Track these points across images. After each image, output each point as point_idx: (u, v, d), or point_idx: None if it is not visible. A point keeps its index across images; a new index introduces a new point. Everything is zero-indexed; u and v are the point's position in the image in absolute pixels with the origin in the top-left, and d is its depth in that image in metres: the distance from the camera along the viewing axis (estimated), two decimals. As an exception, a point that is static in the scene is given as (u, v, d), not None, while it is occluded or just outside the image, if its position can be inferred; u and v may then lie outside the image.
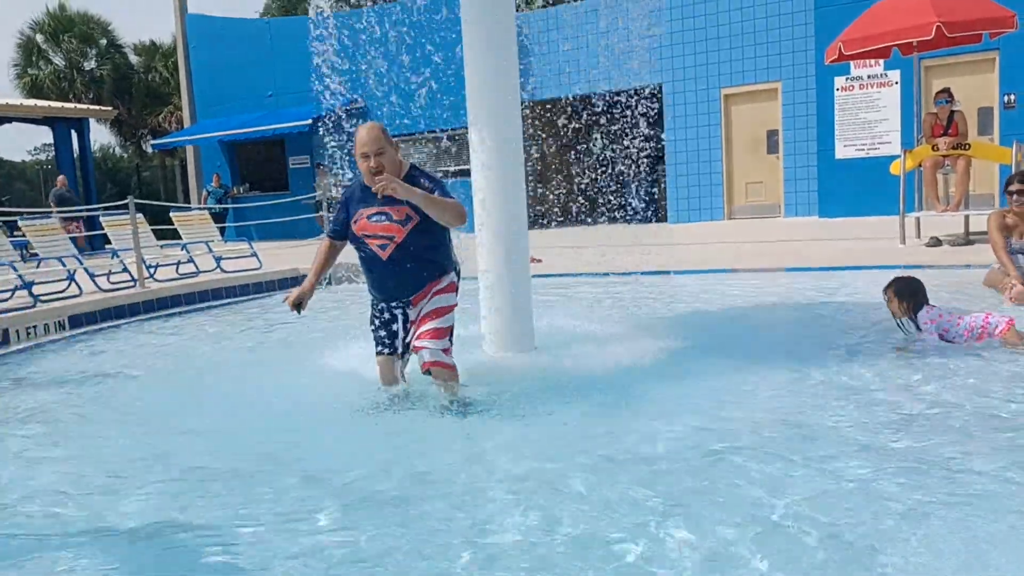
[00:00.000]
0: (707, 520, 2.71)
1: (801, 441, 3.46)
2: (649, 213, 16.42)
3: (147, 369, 6.10)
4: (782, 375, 4.57)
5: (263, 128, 19.66)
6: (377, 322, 4.29)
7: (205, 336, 7.59)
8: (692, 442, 3.53)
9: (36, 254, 9.83)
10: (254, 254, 11.54)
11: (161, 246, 11.41)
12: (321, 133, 14.83)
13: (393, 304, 4.22)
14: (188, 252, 11.10)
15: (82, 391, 5.41)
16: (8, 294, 8.50)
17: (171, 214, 11.85)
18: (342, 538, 2.77)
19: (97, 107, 25.08)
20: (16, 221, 10.35)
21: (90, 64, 30.87)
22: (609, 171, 15.33)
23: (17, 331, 7.54)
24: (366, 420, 4.10)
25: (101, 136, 48.40)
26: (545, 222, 16.30)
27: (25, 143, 47.14)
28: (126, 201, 9.95)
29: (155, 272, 10.39)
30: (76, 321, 8.17)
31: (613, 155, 14.38)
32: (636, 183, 14.10)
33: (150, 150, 33.66)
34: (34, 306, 8.20)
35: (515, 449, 3.59)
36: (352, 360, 5.20)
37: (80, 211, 14.98)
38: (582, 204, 16.42)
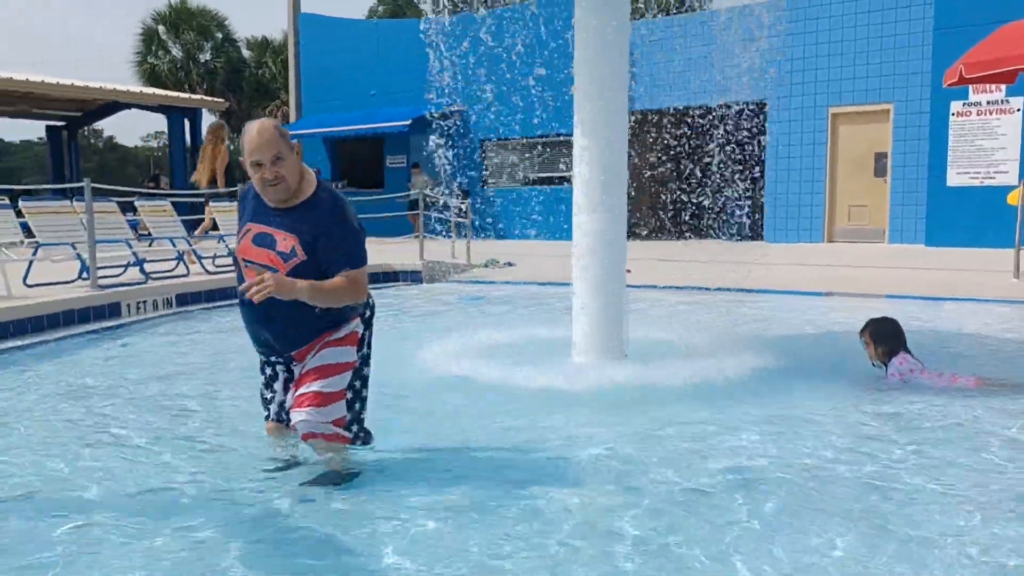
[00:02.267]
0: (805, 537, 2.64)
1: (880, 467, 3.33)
2: (745, 231, 16.12)
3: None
4: (867, 404, 4.41)
5: (364, 127, 20.17)
6: (262, 376, 3.34)
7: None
8: (780, 460, 3.44)
9: (149, 233, 10.33)
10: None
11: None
12: (433, 128, 15.09)
13: (274, 358, 3.22)
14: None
15: (193, 363, 5.66)
16: (122, 270, 8.96)
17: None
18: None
19: (210, 98, 26.17)
20: (133, 202, 10.88)
21: (205, 56, 32.29)
22: (705, 186, 15.11)
23: (129, 305, 7.92)
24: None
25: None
26: (637, 234, 16.17)
27: (139, 129, 49.65)
28: (234, 189, 10.34)
29: (256, 258, 10.74)
30: (183, 299, 8.55)
31: (711, 170, 14.17)
32: (733, 200, 13.86)
33: (254, 143, 34.93)
34: (145, 283, 8.61)
35: (606, 453, 3.58)
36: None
37: (185, 195, 15.59)
38: (675, 218, 16.23)
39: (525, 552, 2.60)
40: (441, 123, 18.84)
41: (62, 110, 23.33)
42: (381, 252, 12.89)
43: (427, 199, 12.89)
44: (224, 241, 10.54)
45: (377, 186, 20.99)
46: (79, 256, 8.34)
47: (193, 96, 25.35)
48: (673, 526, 2.79)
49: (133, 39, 32.24)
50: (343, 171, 22.64)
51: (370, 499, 3.04)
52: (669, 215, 17.17)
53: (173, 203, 11.25)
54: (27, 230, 9.11)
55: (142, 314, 7.97)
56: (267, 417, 3.33)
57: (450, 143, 19.84)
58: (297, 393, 3.07)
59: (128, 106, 23.28)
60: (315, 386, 3.03)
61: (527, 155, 19.40)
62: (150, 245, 10.10)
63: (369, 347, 3.25)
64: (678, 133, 16.45)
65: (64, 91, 20.58)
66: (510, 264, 12.03)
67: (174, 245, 10.08)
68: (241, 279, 3.06)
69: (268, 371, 3.27)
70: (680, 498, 3.05)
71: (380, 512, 2.93)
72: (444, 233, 13.65)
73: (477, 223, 15.22)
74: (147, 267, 9.03)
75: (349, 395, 3.12)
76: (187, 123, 23.46)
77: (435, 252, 12.09)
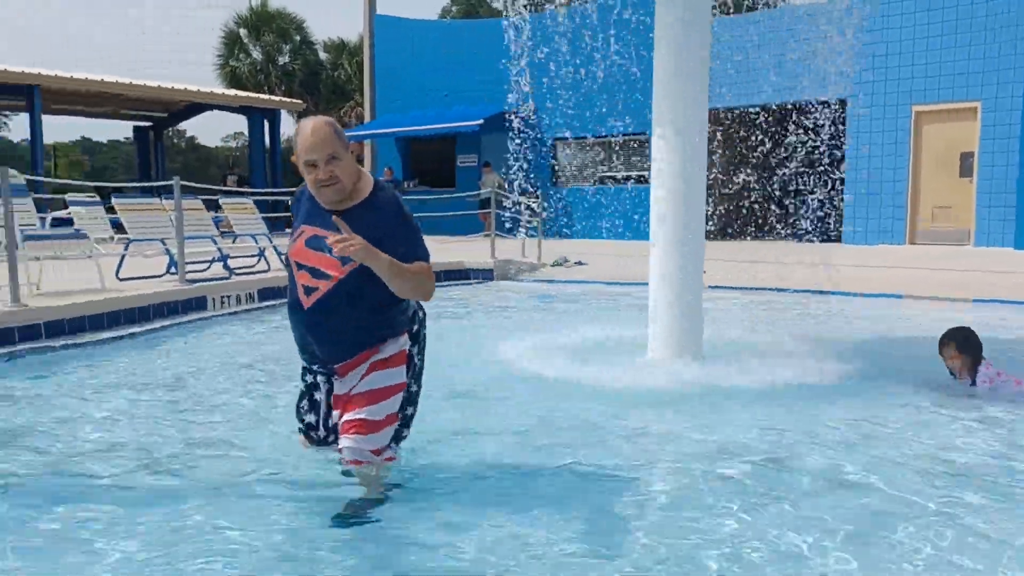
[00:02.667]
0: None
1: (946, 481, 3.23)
2: (823, 232, 15.75)
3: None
4: (953, 409, 4.27)
5: (436, 126, 20.42)
6: (302, 384, 3.16)
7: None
8: (861, 469, 3.37)
9: (233, 230, 10.68)
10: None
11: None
12: (505, 127, 15.17)
13: (316, 367, 3.05)
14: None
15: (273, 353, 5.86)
16: (207, 265, 9.30)
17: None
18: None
19: (288, 99, 26.86)
20: (218, 200, 11.27)
21: (284, 59, 33.12)
22: (783, 186, 14.82)
23: (214, 299, 8.21)
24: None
25: (287, 127, 51.66)
26: (713, 233, 15.95)
27: (220, 130, 51.24)
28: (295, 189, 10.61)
29: (333, 255, 11.02)
30: (265, 294, 8.81)
31: (788, 169, 13.89)
32: (811, 200, 13.57)
33: (330, 142, 35.68)
34: (229, 278, 8.91)
35: (684, 453, 3.57)
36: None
37: (261, 193, 16.08)
38: (752, 218, 15.98)
39: (596, 553, 2.61)
40: (514, 122, 18.95)
41: (149, 111, 24.31)
42: (452, 250, 13.06)
43: (498, 198, 12.98)
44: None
45: (448, 185, 21.23)
46: (168, 251, 8.68)
47: (272, 97, 26.07)
48: (756, 528, 2.77)
49: (216, 42, 33.23)
50: (415, 170, 22.99)
51: (436, 496, 3.09)
52: (745, 215, 16.90)
53: (255, 201, 11.61)
54: (115, 226, 9.54)
55: (226, 308, 8.25)
56: (300, 431, 3.17)
57: (522, 142, 19.92)
58: (345, 419, 2.92)
59: (211, 107, 24.09)
60: (363, 412, 2.89)
61: (600, 154, 19.35)
62: (233, 241, 10.45)
63: (420, 361, 3.11)
64: (755, 131, 16.18)
65: (152, 92, 21.42)
66: (581, 263, 12.03)
67: (256, 242, 10.40)
68: (293, 283, 2.92)
69: (309, 378, 3.09)
70: (760, 501, 3.02)
71: (447, 510, 2.96)
72: (516, 231, 13.72)
73: (548, 222, 15.26)
74: (230, 263, 9.35)
75: (399, 419, 3.00)
76: (266, 124, 24.15)
77: (506, 250, 12.17)
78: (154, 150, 25.81)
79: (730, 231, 16.96)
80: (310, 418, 3.10)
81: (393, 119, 22.27)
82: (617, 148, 18.77)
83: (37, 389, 4.80)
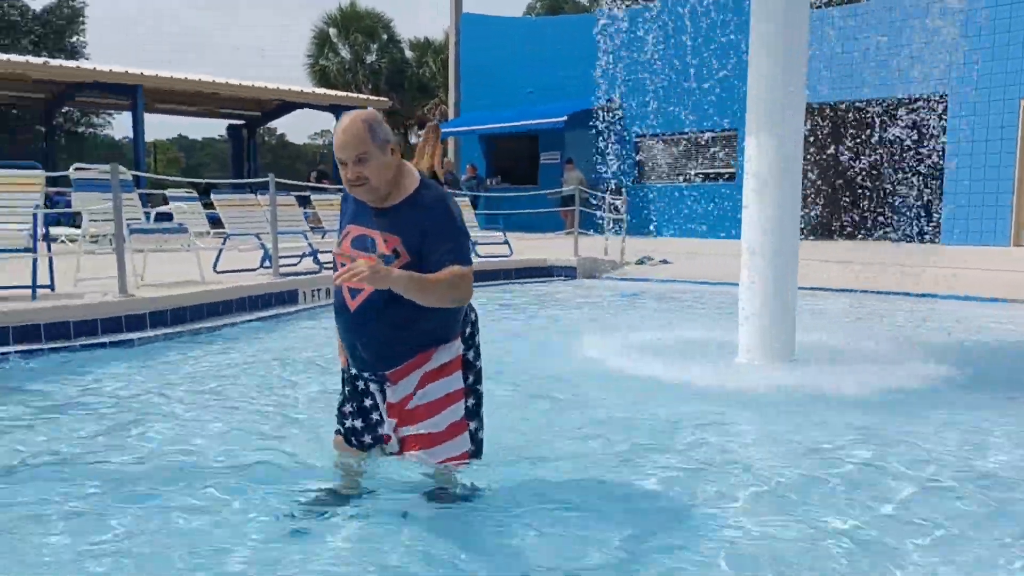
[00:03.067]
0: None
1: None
2: (921, 232, 15.15)
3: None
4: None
5: (519, 123, 20.49)
6: (347, 389, 2.98)
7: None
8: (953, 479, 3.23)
9: (322, 226, 10.96)
10: (506, 242, 12.07)
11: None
12: (590, 124, 15.12)
13: (367, 374, 2.86)
14: (448, 235, 11.83)
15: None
16: (298, 259, 9.57)
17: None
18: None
19: (375, 97, 27.36)
20: (309, 196, 11.59)
21: (371, 57, 33.79)
22: (880, 184, 14.31)
23: (305, 292, 8.45)
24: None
25: (372, 124, 52.66)
26: (806, 232, 15.53)
27: (308, 128, 52.63)
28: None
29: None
30: (352, 289, 9.01)
31: (884, 167, 13.40)
32: (909, 199, 13.05)
33: (414, 140, 36.22)
34: (319, 272, 9.14)
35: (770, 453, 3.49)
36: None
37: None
38: (847, 217, 15.50)
39: (679, 554, 2.58)
40: (598, 119, 18.85)
41: (244, 110, 25.14)
42: (535, 247, 13.10)
43: (581, 195, 12.93)
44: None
45: (531, 182, 21.28)
46: (263, 246, 8.97)
47: (360, 96, 26.61)
48: (846, 533, 2.69)
49: (306, 42, 34.11)
50: (497, 167, 23.11)
51: (518, 494, 3.10)
52: (840, 215, 16.40)
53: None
54: (211, 221, 9.91)
55: (316, 301, 8.47)
56: (339, 432, 2.98)
57: (606, 139, 19.81)
58: (405, 433, 2.80)
59: (301, 106, 24.75)
60: (424, 426, 2.76)
61: (685, 151, 19.08)
62: (323, 237, 10.71)
63: (477, 361, 2.93)
64: (852, 128, 15.67)
65: (247, 92, 22.15)
66: (665, 262, 11.88)
67: (344, 237, 10.64)
68: (338, 288, 2.74)
69: (361, 384, 2.89)
70: (851, 504, 2.94)
71: (524, 504, 2.97)
72: (599, 229, 13.66)
73: (631, 220, 15.14)
74: (320, 257, 9.60)
75: (472, 424, 2.85)
76: (353, 121, 24.69)
77: (588, 248, 12.12)
78: (247, 147, 26.69)
79: (825, 231, 16.48)
80: (355, 423, 2.92)
81: (477, 116, 22.46)
82: (704, 145, 18.47)
83: (143, 374, 5.04)
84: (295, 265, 9.41)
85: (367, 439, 2.91)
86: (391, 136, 2.71)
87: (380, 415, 2.86)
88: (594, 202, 14.67)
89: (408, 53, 34.74)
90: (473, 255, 10.24)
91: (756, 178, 5.11)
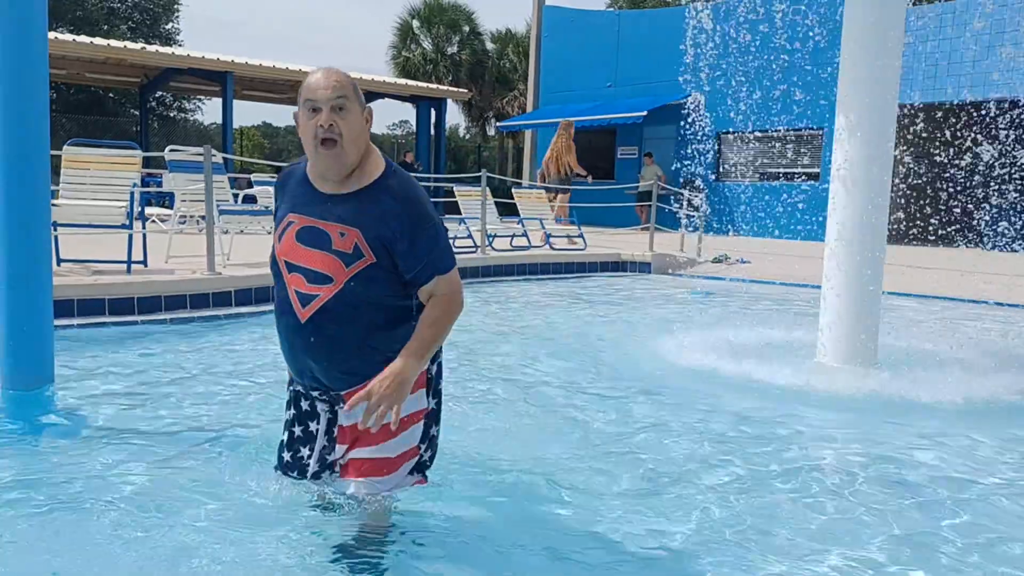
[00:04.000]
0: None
1: None
2: (1016, 239, 14.51)
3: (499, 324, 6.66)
4: None
5: (598, 117, 20.37)
6: (290, 411, 2.52)
7: (538, 303, 8.10)
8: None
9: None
10: (581, 235, 12.04)
11: (500, 219, 12.33)
12: (670, 119, 14.96)
13: (316, 393, 2.41)
14: (523, 227, 11.87)
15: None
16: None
17: (513, 191, 12.74)
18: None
19: (455, 89, 27.62)
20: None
21: (452, 49, 34.07)
22: (973, 189, 13.76)
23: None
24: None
25: (451, 116, 53.25)
26: (895, 237, 15.05)
27: (387, 118, 53.45)
28: (479, 174, 10.88)
29: (492, 242, 11.26)
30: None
31: (978, 172, 12.87)
32: (1004, 205, 12.51)
33: (492, 131, 36.45)
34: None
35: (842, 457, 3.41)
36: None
37: (427, 178, 16.60)
38: (938, 222, 14.95)
39: (747, 557, 2.55)
40: (680, 114, 18.62)
41: (327, 98, 25.66)
42: (610, 242, 13.02)
43: (659, 190, 12.79)
44: (465, 224, 11.12)
45: (607, 177, 21.15)
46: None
47: (440, 87, 26.88)
48: (913, 544, 2.61)
49: (390, 33, 34.61)
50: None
51: (593, 492, 3.11)
52: (930, 219, 15.83)
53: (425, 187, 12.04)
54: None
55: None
56: (280, 468, 2.53)
57: (686, 135, 19.55)
58: (353, 456, 2.35)
59: (383, 96, 25.13)
60: (378, 450, 2.32)
61: (767, 148, 18.67)
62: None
63: (439, 380, 2.51)
64: (946, 130, 15.09)
65: (330, 80, 22.58)
66: (743, 261, 11.67)
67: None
68: (283, 288, 2.30)
69: (305, 405, 2.44)
70: (924, 515, 2.85)
71: (607, 501, 2.98)
72: (678, 225, 13.50)
73: (709, 217, 14.91)
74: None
75: (424, 450, 2.45)
76: (433, 112, 24.95)
77: (664, 245, 12.00)
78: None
79: (913, 235, 15.92)
80: (301, 452, 2.45)
81: (555, 110, 22.42)
82: (786, 143, 18.05)
83: (229, 346, 5.23)
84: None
85: (312, 468, 2.43)
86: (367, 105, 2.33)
87: (329, 440, 2.41)
88: (670, 199, 14.51)
89: (489, 45, 34.90)
90: (547, 247, 10.12)
91: (843, 179, 4.98)
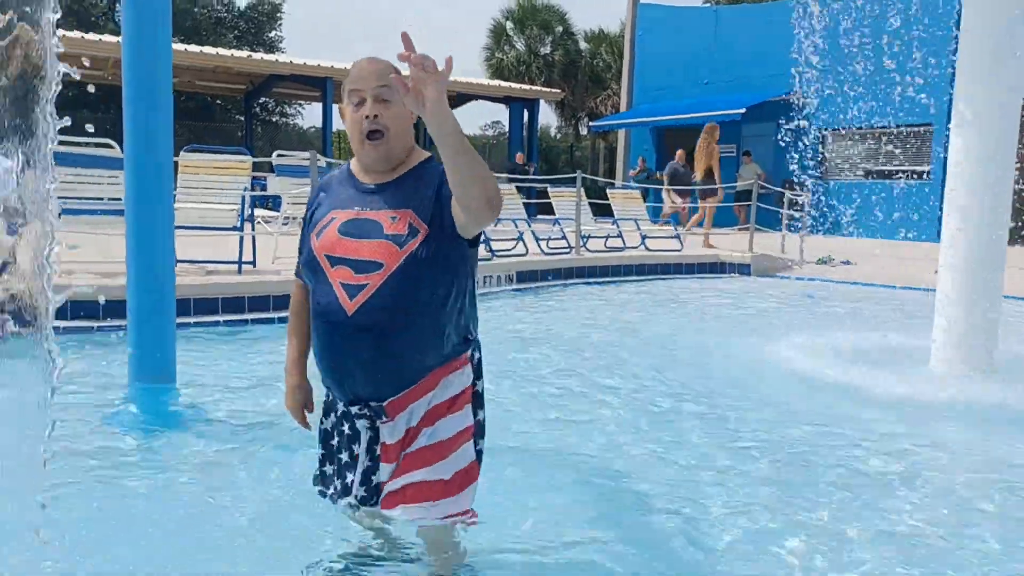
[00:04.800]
0: None
1: None
2: None
3: (611, 323, 6.64)
4: None
5: (694, 115, 20.02)
6: (333, 438, 2.24)
7: (635, 305, 8.04)
8: None
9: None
10: (677, 236, 11.87)
11: (594, 219, 12.29)
12: (770, 116, 14.61)
13: (356, 409, 2.14)
14: (618, 227, 11.80)
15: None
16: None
17: (608, 191, 12.68)
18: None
19: (548, 89, 27.65)
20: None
21: (545, 49, 34.13)
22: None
23: (477, 278, 8.71)
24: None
25: (542, 116, 53.22)
26: (1017, 238, 14.29)
27: (479, 119, 53.98)
28: (574, 175, 10.87)
29: (586, 242, 11.23)
30: (523, 276, 9.20)
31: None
32: None
33: (584, 131, 36.33)
34: (491, 259, 9.39)
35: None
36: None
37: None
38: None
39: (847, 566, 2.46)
40: (780, 111, 18.11)
41: (421, 101, 26.10)
42: (711, 241, 12.80)
43: (759, 189, 12.48)
44: (559, 224, 11.13)
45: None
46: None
47: (533, 87, 26.97)
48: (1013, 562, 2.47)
49: (483, 35, 34.96)
50: (669, 159, 22.71)
51: (701, 497, 3.06)
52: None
53: (517, 187, 12.12)
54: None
55: (488, 287, 8.72)
56: (327, 495, 2.26)
57: (788, 132, 19.02)
58: (403, 481, 2.11)
59: (476, 97, 25.40)
60: (431, 471, 2.10)
61: (875, 146, 17.98)
62: (495, 225, 10.98)
63: (483, 389, 2.26)
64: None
65: (426, 84, 22.98)
66: (848, 263, 11.27)
67: (516, 226, 10.85)
68: (325, 287, 2.10)
69: (346, 427, 2.18)
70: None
71: (711, 505, 2.93)
72: (776, 225, 13.16)
73: (812, 217, 14.47)
74: (492, 245, 9.85)
75: (479, 468, 2.21)
76: (526, 113, 25.04)
77: (764, 245, 11.71)
78: (424, 137, 27.73)
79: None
80: (348, 477, 2.19)
81: (649, 108, 22.19)
82: (894, 140, 17.33)
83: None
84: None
85: (360, 493, 2.16)
86: None
87: (372, 460, 2.15)
88: (772, 198, 14.14)
89: (583, 45, 34.80)
90: (642, 248, 9.92)
91: (961, 177, 4.75)
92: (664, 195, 15.63)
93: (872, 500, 2.97)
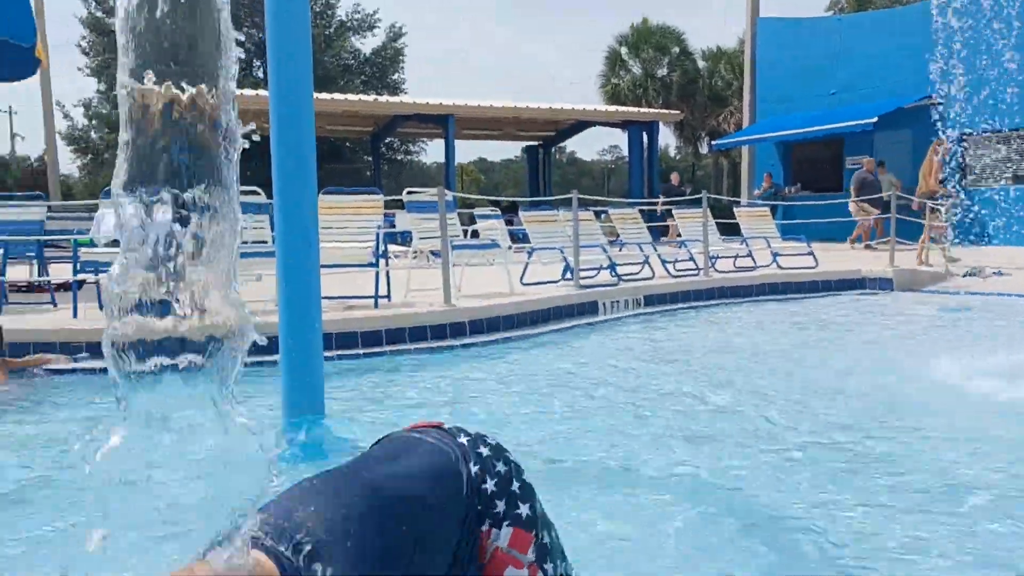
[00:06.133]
0: None
1: None
2: None
3: (732, 347, 6.50)
4: None
5: (821, 128, 19.34)
6: None
7: (775, 326, 7.79)
8: None
9: (619, 238, 11.19)
10: (811, 253, 11.44)
11: (722, 239, 12.04)
12: (905, 124, 13.97)
13: None
14: (748, 246, 11.50)
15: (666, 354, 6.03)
16: (596, 272, 9.86)
17: (735, 209, 12.42)
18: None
19: (666, 111, 27.44)
20: (607, 210, 11.90)
21: (662, 71, 33.94)
22: None
23: (604, 304, 8.69)
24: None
25: (662, 137, 52.81)
26: None
27: (596, 145, 54.07)
28: (699, 196, 10.71)
29: (715, 263, 11.01)
30: (650, 300, 9.10)
31: None
32: None
33: (705, 150, 35.75)
34: (617, 284, 9.35)
35: None
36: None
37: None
38: None
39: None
40: (915, 118, 17.25)
41: (540, 131, 26.47)
42: (844, 257, 12.29)
43: (897, 200, 11.88)
44: (686, 247, 10.96)
45: (834, 189, 19.97)
46: (565, 259, 9.37)
47: (651, 110, 26.83)
48: None
49: (599, 62, 35.13)
50: (796, 174, 22.02)
51: (844, 508, 2.92)
52: None
53: (640, 211, 12.04)
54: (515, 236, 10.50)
55: (615, 312, 8.67)
56: None
57: (924, 139, 18.05)
58: None
59: (593, 124, 25.51)
60: None
61: (1021, 149, 16.80)
62: (620, 250, 10.94)
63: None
64: None
65: (545, 114, 23.30)
66: (999, 273, 10.54)
67: (641, 249, 10.78)
68: None
69: None
70: None
71: (855, 514, 2.79)
72: (915, 237, 12.48)
73: (957, 227, 13.63)
74: (618, 270, 9.81)
75: None
76: (644, 135, 24.91)
77: (905, 259, 11.12)
78: (543, 166, 28.03)
79: None
80: None
81: (773, 123, 21.58)
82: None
83: (476, 374, 5.51)
84: (594, 277, 9.71)
85: None
86: None
87: None
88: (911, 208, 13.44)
89: (700, 64, 34.38)
90: (775, 267, 9.68)
91: None
92: (851, 207, 15.14)
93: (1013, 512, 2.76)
